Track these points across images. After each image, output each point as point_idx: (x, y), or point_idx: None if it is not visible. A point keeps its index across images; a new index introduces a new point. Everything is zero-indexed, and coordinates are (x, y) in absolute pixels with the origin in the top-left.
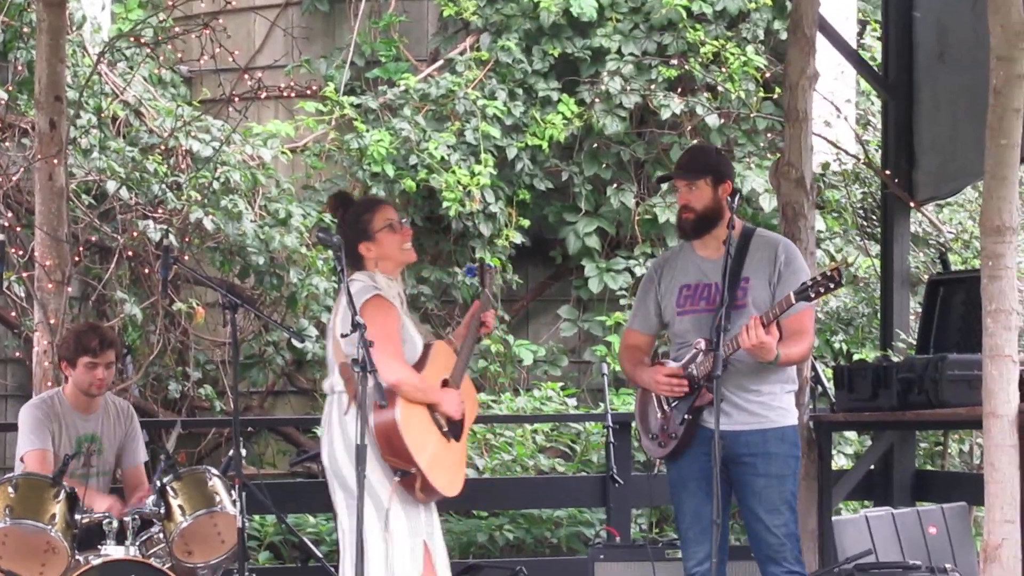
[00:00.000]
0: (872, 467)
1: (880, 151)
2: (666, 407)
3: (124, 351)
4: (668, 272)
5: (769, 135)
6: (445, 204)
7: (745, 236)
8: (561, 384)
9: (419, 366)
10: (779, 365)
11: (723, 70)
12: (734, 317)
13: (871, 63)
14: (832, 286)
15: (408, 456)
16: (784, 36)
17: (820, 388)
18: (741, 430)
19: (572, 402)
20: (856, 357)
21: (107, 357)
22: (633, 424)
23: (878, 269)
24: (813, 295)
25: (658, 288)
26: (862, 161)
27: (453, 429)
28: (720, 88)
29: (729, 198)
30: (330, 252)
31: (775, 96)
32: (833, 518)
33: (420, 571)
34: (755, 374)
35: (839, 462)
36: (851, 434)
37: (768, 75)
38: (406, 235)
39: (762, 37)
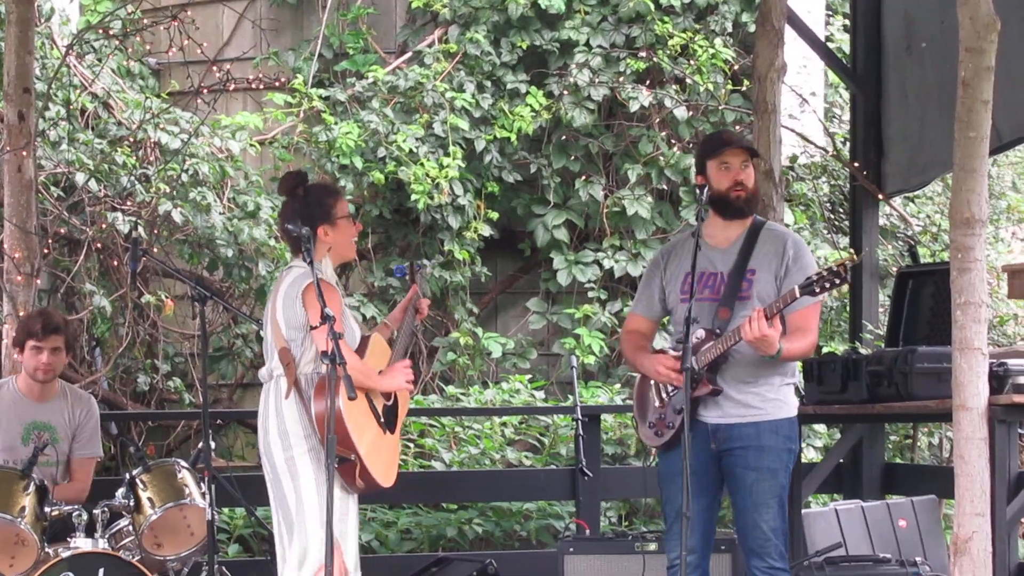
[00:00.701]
0: (841, 460)
1: (848, 143)
2: (665, 396)
3: (93, 344)
4: (675, 259)
5: (738, 127)
6: (414, 197)
7: (754, 228)
8: (529, 377)
9: (359, 352)
10: (780, 360)
11: (691, 63)
12: (737, 308)
13: (839, 55)
14: (838, 282)
15: (349, 443)
16: (752, 28)
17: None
18: (735, 423)
19: (540, 395)
20: (825, 350)
21: (52, 342)
22: (602, 416)
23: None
24: (818, 290)
25: (663, 274)
26: (830, 153)
27: (388, 421)
28: (688, 80)
29: (698, 189)
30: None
31: (743, 88)
32: (803, 511)
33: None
34: (754, 367)
35: (808, 455)
36: (820, 427)
37: (736, 68)
38: (357, 229)
39: (730, 30)
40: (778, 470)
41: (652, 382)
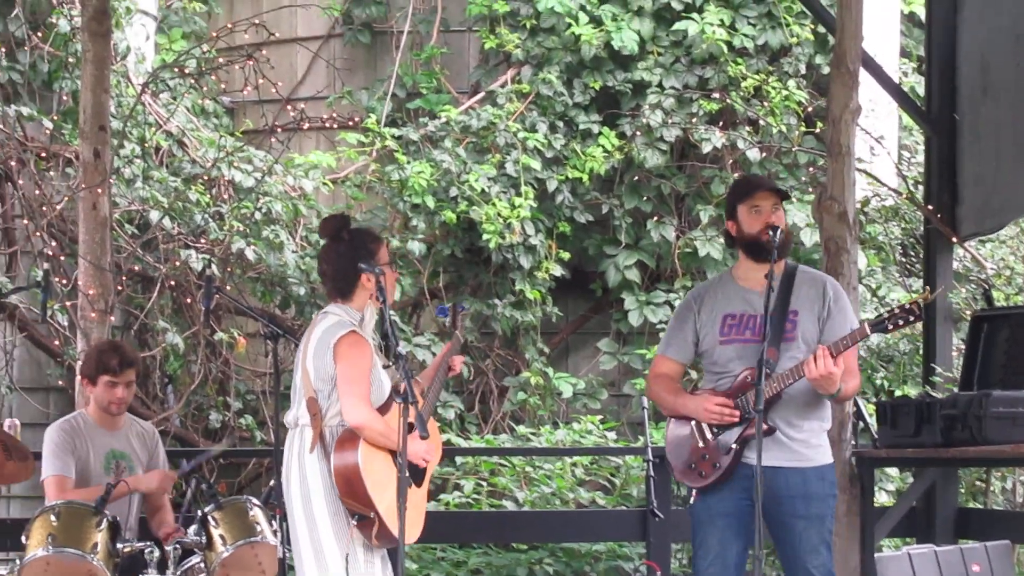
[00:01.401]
0: (915, 504)
1: (922, 186)
2: (709, 436)
3: (165, 381)
4: (709, 301)
5: (810, 169)
6: (485, 236)
7: (789, 271)
8: (600, 417)
9: (384, 409)
10: (838, 400)
11: (764, 104)
12: (783, 349)
13: (912, 97)
14: (912, 319)
15: (368, 500)
16: (826, 70)
17: (862, 424)
18: (781, 467)
19: (611, 435)
20: (897, 394)
21: (127, 376)
22: None
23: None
24: (891, 327)
25: (698, 316)
26: (903, 196)
27: (415, 474)
28: (761, 122)
29: (771, 231)
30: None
31: (816, 130)
32: (876, 555)
33: None
34: (802, 409)
35: (881, 499)
36: (893, 470)
37: (810, 109)
38: (395, 277)
39: (803, 71)
40: (825, 516)
41: (692, 423)
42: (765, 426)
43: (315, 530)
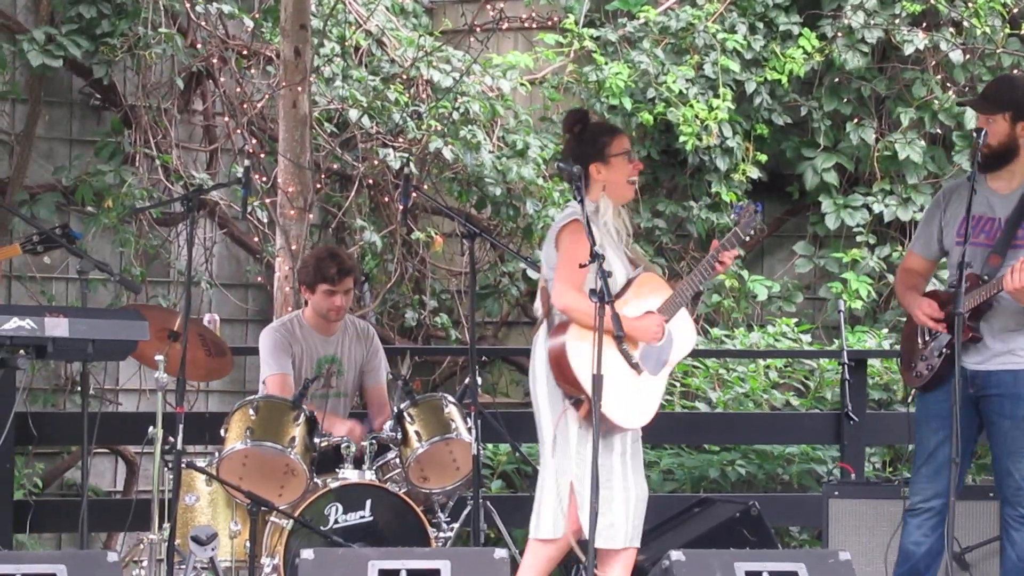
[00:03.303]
0: None
1: None
2: (928, 337)
3: (362, 279)
4: (956, 199)
5: (1016, 71)
6: (682, 138)
7: None
8: (795, 320)
9: (618, 296)
10: None
11: (969, 5)
12: (1009, 256)
13: None
14: None
15: (576, 383)
16: None
17: None
18: (994, 370)
19: (806, 338)
20: None
21: (345, 284)
22: (868, 361)
23: None
24: None
25: (943, 215)
26: None
27: (651, 362)
28: (965, 23)
29: (974, 132)
30: (567, 183)
31: (1021, 32)
32: None
33: (563, 513)
34: (1020, 315)
35: None
36: None
37: (1015, 11)
38: (636, 168)
39: None
40: None
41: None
42: (969, 334)
43: (537, 412)
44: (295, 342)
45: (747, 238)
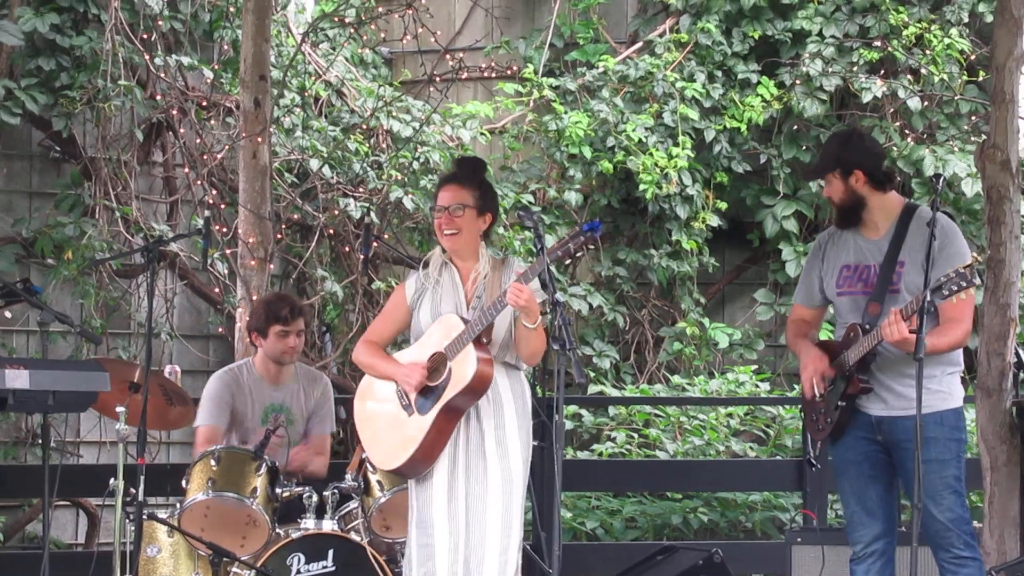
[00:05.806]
0: None
1: None
2: (822, 391)
3: (324, 329)
4: (832, 249)
5: (972, 118)
6: (642, 186)
7: (906, 215)
8: (756, 368)
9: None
10: (927, 355)
11: (926, 53)
12: (888, 302)
13: None
14: (964, 284)
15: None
16: (989, 19)
17: (1022, 374)
18: (899, 416)
19: (766, 386)
20: None
21: (297, 325)
22: None
23: None
24: (947, 293)
25: (821, 265)
26: None
27: (421, 402)
28: (923, 71)
29: (932, 179)
30: (527, 232)
31: (979, 79)
32: None
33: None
34: (909, 358)
35: None
36: None
37: (972, 57)
38: (441, 222)
39: (966, 20)
40: (948, 461)
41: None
42: (859, 387)
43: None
44: (239, 391)
45: (567, 258)
